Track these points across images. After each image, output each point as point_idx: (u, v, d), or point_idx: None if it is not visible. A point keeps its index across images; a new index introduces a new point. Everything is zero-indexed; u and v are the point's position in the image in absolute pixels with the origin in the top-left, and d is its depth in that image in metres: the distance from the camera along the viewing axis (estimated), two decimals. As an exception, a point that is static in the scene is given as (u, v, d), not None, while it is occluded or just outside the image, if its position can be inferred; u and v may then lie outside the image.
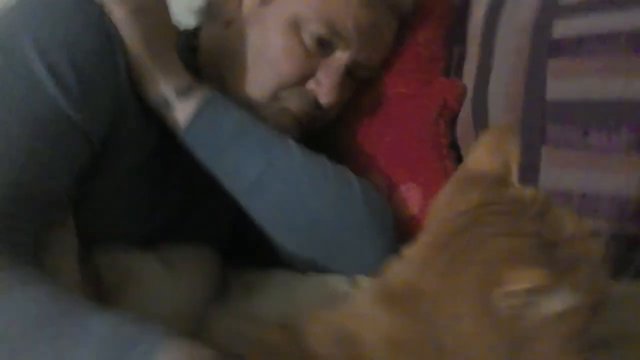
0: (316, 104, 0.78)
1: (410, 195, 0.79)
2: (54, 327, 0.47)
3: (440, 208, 0.56)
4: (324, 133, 0.86)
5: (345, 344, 0.46)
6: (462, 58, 0.87)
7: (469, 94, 0.83)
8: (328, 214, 0.70)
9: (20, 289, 0.50)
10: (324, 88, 0.77)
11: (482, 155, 0.56)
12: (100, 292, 0.63)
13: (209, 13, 0.84)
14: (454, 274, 0.44)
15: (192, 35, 0.83)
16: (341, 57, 0.78)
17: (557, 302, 0.42)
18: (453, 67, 0.87)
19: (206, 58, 0.81)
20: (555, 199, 0.73)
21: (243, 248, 0.78)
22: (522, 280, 0.40)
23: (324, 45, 0.77)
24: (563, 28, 0.75)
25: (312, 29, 0.76)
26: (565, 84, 0.73)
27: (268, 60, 0.77)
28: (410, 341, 0.45)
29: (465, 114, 0.83)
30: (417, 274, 0.48)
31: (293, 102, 0.77)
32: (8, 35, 0.63)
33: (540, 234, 0.46)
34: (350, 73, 0.80)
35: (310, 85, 0.78)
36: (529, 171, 0.74)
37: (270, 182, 0.70)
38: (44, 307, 0.49)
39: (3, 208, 0.56)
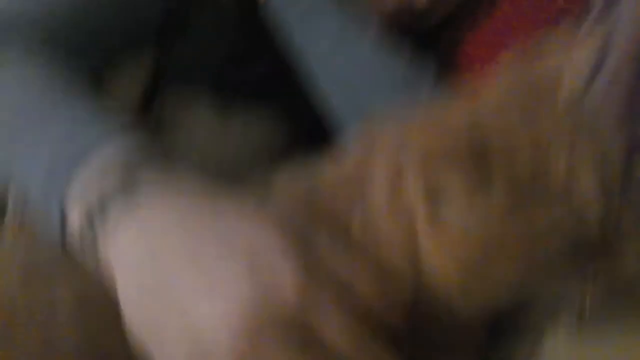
0: (411, 6, 0.73)
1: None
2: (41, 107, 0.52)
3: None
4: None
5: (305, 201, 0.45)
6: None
7: None
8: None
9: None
10: None
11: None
12: (157, 135, 0.67)
13: None
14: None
15: None
16: None
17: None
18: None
19: None
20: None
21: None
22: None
23: None
24: None
25: None
26: None
27: None
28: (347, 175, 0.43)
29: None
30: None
31: (388, 4, 0.73)
32: None
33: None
34: None
35: None
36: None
37: (336, 59, 0.68)
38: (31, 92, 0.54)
39: (70, 35, 0.61)
